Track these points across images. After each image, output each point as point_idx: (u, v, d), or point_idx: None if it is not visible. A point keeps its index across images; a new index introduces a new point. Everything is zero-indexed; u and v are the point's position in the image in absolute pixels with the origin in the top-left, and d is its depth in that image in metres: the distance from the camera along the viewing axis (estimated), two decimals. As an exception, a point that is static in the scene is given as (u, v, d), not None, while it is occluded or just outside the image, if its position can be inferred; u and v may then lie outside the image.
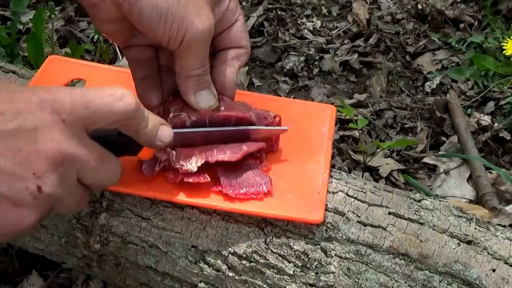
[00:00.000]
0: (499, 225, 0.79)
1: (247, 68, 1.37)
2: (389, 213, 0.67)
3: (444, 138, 1.23)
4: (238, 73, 0.69)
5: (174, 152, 0.64)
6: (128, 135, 0.58)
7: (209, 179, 0.64)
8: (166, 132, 0.60)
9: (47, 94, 0.51)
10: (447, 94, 1.29)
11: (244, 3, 1.56)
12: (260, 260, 0.66)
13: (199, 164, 0.64)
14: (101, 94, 0.53)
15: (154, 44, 0.67)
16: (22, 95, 0.51)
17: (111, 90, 0.54)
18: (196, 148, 0.65)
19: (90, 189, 0.57)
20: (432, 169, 1.18)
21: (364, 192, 0.69)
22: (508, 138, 1.20)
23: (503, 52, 1.23)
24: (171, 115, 0.65)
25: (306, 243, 0.66)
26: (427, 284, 0.64)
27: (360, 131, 1.17)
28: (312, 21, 1.53)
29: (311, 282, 0.65)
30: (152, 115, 0.58)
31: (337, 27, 1.52)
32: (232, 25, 0.67)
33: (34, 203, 0.50)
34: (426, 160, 1.18)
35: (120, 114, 0.54)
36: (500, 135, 1.21)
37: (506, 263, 0.65)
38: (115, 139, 0.58)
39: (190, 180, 0.64)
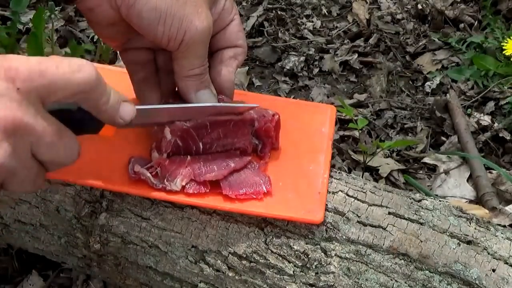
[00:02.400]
0: (499, 225, 0.79)
1: (247, 68, 1.37)
2: (389, 213, 0.67)
3: (444, 138, 1.23)
4: (238, 73, 0.69)
5: (154, 172, 0.65)
6: (88, 111, 0.55)
7: (209, 189, 0.65)
8: (128, 109, 0.57)
9: (0, 61, 0.49)
10: (447, 94, 1.29)
11: (244, 3, 1.56)
12: (260, 260, 0.66)
13: (183, 184, 0.64)
14: (58, 64, 0.50)
15: (151, 46, 0.67)
16: None
17: (70, 60, 0.51)
18: (183, 165, 0.65)
19: (46, 167, 0.54)
20: (432, 169, 1.18)
21: (364, 192, 0.69)
22: (508, 138, 1.20)
23: (503, 52, 1.23)
24: None
25: (306, 243, 0.66)
26: (427, 284, 0.64)
27: (360, 131, 1.16)
28: (312, 21, 1.53)
29: (311, 282, 0.65)
30: (114, 90, 0.56)
31: (337, 27, 1.52)
32: (228, 25, 0.67)
33: None
34: (426, 160, 1.18)
35: (79, 85, 0.51)
36: (500, 135, 1.20)
37: (506, 263, 0.65)
38: (74, 115, 0.55)
39: (191, 191, 0.64)
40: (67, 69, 0.51)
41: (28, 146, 0.51)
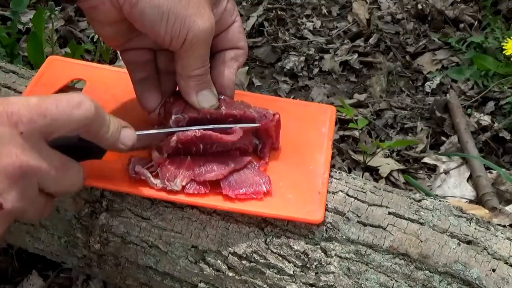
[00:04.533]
0: (499, 225, 0.78)
1: (247, 68, 1.37)
2: (389, 213, 0.67)
3: (444, 138, 1.23)
4: (238, 73, 0.69)
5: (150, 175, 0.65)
6: (90, 140, 0.57)
7: (209, 190, 0.65)
8: (128, 135, 0.59)
9: (1, 107, 0.50)
10: (447, 94, 1.29)
11: (244, 3, 1.56)
12: (260, 260, 0.66)
13: (184, 184, 0.64)
14: (57, 102, 0.52)
15: (152, 46, 0.67)
16: None
17: (68, 97, 0.53)
18: (183, 166, 0.65)
19: (54, 196, 0.56)
20: (432, 169, 1.18)
21: (364, 192, 0.69)
22: (508, 138, 1.20)
23: (503, 52, 1.22)
24: (173, 117, 0.66)
25: (306, 243, 0.66)
26: (427, 284, 0.64)
27: (360, 131, 1.17)
28: (312, 21, 1.52)
29: (311, 282, 0.65)
30: (113, 118, 0.58)
31: (337, 27, 1.52)
32: (229, 26, 0.67)
33: None
34: (426, 160, 1.18)
35: (79, 121, 0.53)
36: (500, 135, 1.20)
37: (506, 263, 0.65)
38: (77, 145, 0.57)
39: (191, 191, 0.64)
40: (66, 107, 0.52)
41: (35, 185, 0.53)
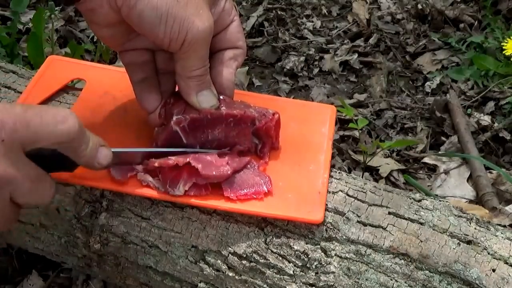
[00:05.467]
0: (499, 225, 0.79)
1: (247, 68, 1.37)
2: (389, 213, 0.67)
3: (444, 138, 1.23)
4: (238, 73, 0.69)
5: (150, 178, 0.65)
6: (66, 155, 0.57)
7: (210, 191, 0.65)
8: (105, 154, 0.59)
9: None
10: (447, 94, 1.29)
11: (244, 3, 1.55)
12: (260, 260, 0.66)
13: (186, 188, 0.64)
14: (42, 114, 0.52)
15: (150, 47, 0.67)
16: None
17: (54, 110, 0.53)
18: (184, 170, 0.65)
19: (21, 207, 0.56)
20: (432, 169, 1.18)
21: (364, 192, 0.69)
22: (508, 138, 1.20)
23: (503, 52, 1.22)
24: (174, 118, 0.66)
25: (306, 243, 0.66)
26: (427, 284, 0.64)
27: (360, 131, 1.16)
28: (312, 21, 1.52)
29: (311, 282, 0.65)
30: (93, 136, 0.58)
31: (337, 27, 1.52)
32: (228, 26, 0.67)
33: None
34: (426, 160, 1.18)
35: (62, 136, 0.53)
36: (500, 135, 1.20)
37: (506, 263, 0.65)
38: (51, 156, 0.57)
39: (192, 193, 0.64)
40: (51, 121, 0.52)
41: (8, 194, 0.52)
